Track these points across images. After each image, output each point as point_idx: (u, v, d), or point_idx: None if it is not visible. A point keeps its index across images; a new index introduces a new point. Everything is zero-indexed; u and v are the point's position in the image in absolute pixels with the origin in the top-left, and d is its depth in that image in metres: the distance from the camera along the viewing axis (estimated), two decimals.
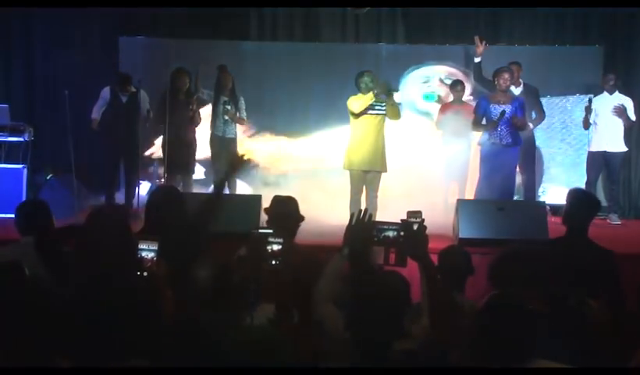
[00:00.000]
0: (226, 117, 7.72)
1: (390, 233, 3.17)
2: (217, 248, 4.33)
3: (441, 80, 9.08)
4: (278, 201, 4.29)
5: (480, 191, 7.06)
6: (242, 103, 7.84)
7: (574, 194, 4.49)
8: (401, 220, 3.23)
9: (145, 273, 2.89)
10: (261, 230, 3.33)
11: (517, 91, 7.84)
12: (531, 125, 7.85)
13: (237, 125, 7.89)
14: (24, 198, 7.47)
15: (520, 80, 7.93)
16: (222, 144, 7.77)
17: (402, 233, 3.14)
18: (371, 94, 6.71)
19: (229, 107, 7.71)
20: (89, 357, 2.30)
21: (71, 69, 8.55)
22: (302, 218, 4.24)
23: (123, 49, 8.97)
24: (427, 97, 8.83)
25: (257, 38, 9.21)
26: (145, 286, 2.85)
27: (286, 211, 4.18)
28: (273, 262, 3.04)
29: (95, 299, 2.40)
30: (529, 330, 2.58)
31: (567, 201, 4.42)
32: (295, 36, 9.26)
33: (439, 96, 8.92)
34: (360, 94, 6.84)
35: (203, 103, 7.99)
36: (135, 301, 2.50)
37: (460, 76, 8.78)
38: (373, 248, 3.15)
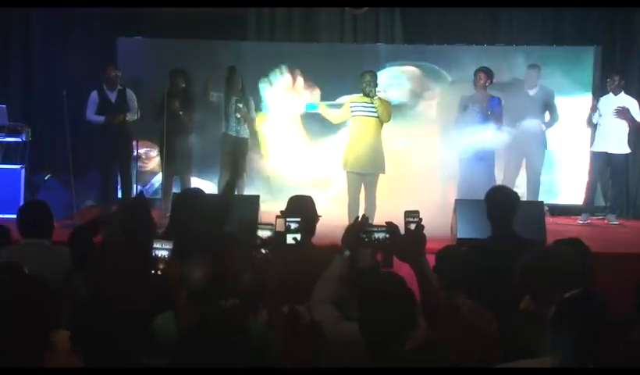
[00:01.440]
0: (238, 116, 7.74)
1: (378, 235, 3.21)
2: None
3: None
4: (295, 200, 4.22)
5: (459, 191, 7.13)
6: (251, 103, 7.90)
7: (492, 193, 4.47)
8: (386, 223, 3.28)
9: (159, 272, 2.89)
10: (288, 218, 3.36)
11: (532, 92, 7.87)
12: (543, 126, 7.88)
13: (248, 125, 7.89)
14: (22, 199, 7.49)
15: (537, 82, 7.96)
16: (235, 144, 7.81)
17: (388, 235, 3.18)
18: (344, 112, 6.93)
19: (240, 105, 7.73)
20: (94, 355, 2.30)
21: (69, 70, 8.55)
22: (319, 216, 4.20)
23: (121, 50, 8.97)
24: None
25: (255, 39, 9.20)
26: (158, 285, 2.86)
27: (303, 209, 4.15)
28: (263, 251, 3.05)
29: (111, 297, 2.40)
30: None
31: (486, 202, 4.40)
32: (293, 36, 9.25)
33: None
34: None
35: (210, 105, 7.97)
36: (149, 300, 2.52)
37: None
38: (360, 249, 3.17)
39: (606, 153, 7.97)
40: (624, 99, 7.99)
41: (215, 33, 9.01)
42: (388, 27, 9.21)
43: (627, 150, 8.06)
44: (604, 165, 8.05)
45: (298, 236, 3.39)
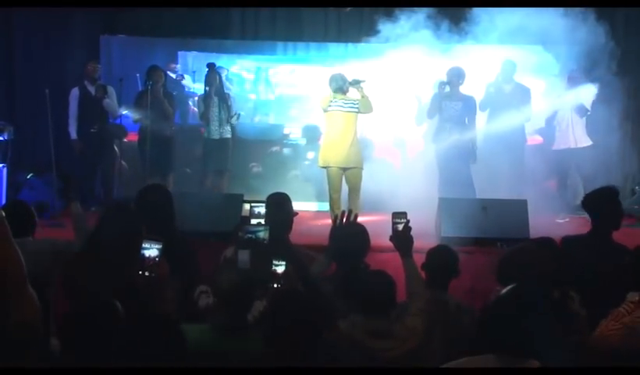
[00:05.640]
0: (223, 116, 7.72)
1: (259, 234, 3.22)
2: (202, 247, 4.34)
3: None
4: (271, 197, 4.32)
5: (439, 189, 7.15)
6: (231, 101, 7.87)
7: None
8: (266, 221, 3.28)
9: (147, 273, 2.84)
10: (253, 204, 3.38)
11: (507, 88, 7.87)
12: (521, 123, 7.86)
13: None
14: (4, 197, 7.42)
15: (513, 79, 7.94)
16: (220, 146, 7.79)
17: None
18: (329, 96, 6.84)
19: (223, 106, 7.72)
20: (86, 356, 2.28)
21: (52, 68, 8.49)
22: (295, 213, 4.31)
23: (104, 48, 8.91)
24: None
25: (239, 37, 9.17)
26: (146, 285, 2.81)
27: (280, 206, 4.21)
28: (275, 286, 3.03)
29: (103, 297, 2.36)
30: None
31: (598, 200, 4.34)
32: (277, 34, 9.23)
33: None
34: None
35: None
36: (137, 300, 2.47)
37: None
38: (239, 250, 3.15)
39: (569, 149, 7.90)
40: (579, 91, 7.86)
41: (198, 31, 8.97)
42: (372, 26, 9.19)
43: (589, 142, 7.91)
44: (568, 161, 7.98)
45: (262, 221, 3.42)
